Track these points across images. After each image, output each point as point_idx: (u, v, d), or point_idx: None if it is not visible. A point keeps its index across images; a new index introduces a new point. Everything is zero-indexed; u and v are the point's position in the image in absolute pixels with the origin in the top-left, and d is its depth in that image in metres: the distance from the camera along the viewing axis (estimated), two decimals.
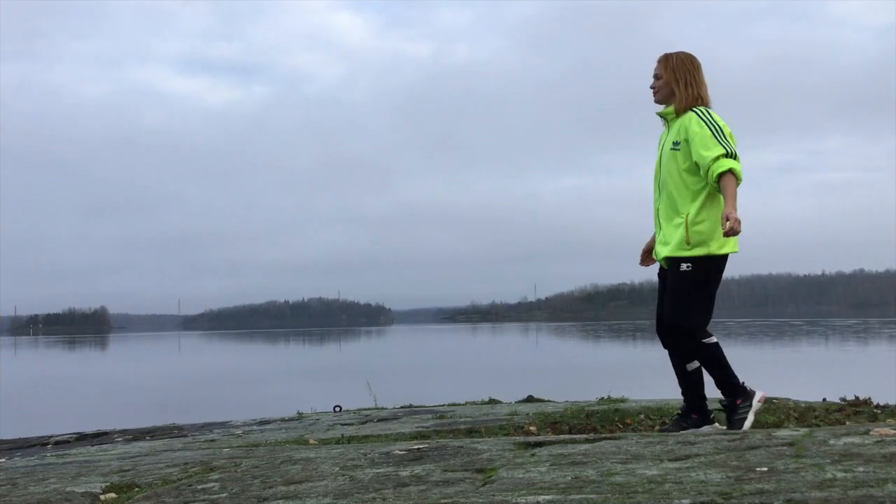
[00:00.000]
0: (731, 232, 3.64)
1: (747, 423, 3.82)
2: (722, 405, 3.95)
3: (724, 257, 3.92)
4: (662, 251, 3.96)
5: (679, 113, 3.93)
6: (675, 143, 3.90)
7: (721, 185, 3.76)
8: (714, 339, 3.92)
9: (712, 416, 4.02)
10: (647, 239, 4.23)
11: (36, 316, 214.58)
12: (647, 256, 4.23)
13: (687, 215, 3.88)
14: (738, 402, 3.88)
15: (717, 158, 3.75)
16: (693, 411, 3.99)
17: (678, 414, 4.14)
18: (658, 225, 4.04)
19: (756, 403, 3.90)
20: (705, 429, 3.87)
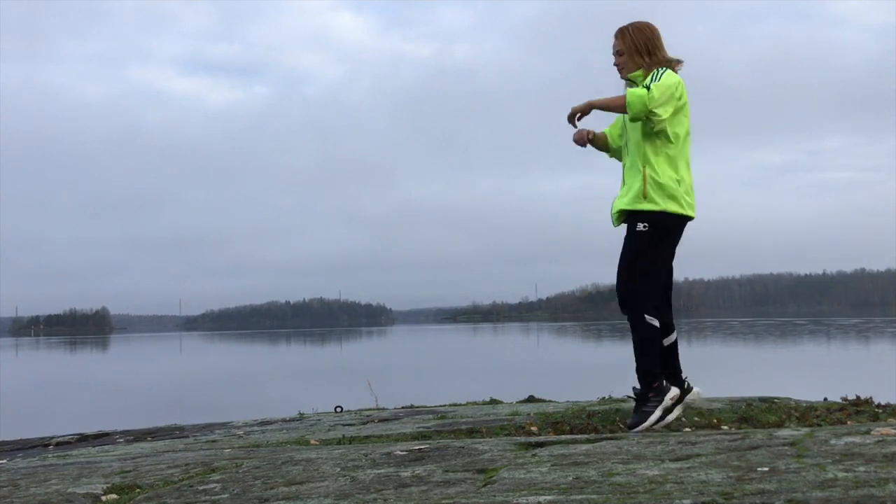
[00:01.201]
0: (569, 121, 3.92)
1: (651, 419, 3.74)
2: (634, 393, 3.90)
3: (682, 219, 3.89)
4: (618, 204, 3.97)
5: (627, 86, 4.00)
6: None
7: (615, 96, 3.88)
8: (657, 322, 3.85)
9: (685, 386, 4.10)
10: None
11: (37, 317, 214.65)
12: (584, 136, 4.16)
13: (646, 167, 3.87)
14: (651, 395, 3.81)
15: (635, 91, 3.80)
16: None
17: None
18: (623, 184, 4.05)
19: (667, 400, 3.80)
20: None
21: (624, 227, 3.99)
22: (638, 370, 3.86)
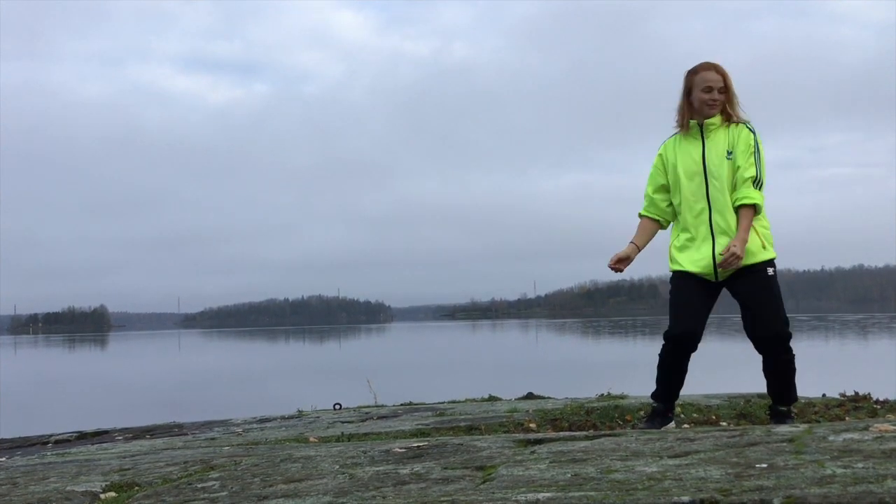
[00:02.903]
0: (726, 263, 3.77)
1: None
2: (785, 411, 4.07)
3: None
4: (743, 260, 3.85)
5: (723, 123, 3.95)
6: (729, 153, 3.91)
7: (742, 212, 3.84)
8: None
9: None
10: (625, 245, 4.17)
11: (36, 315, 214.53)
12: (621, 262, 4.14)
13: (754, 224, 3.90)
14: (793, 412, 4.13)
15: (750, 182, 3.85)
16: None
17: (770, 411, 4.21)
18: (707, 235, 3.93)
19: None
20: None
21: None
22: (790, 393, 4.06)
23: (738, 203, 3.84)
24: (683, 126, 3.99)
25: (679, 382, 4.10)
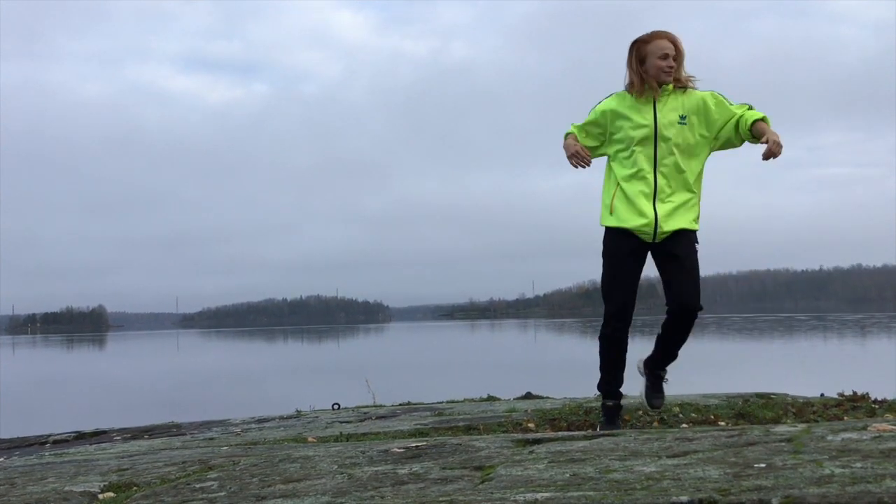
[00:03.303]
0: (775, 147, 3.79)
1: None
2: (660, 376, 4.22)
3: None
4: (676, 222, 3.93)
5: (675, 88, 3.98)
6: (682, 118, 3.94)
7: (758, 126, 3.88)
8: None
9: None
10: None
11: (34, 315, 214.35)
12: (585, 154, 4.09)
13: (698, 191, 4.02)
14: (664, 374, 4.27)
15: (748, 108, 3.96)
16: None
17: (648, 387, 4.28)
18: (649, 196, 3.94)
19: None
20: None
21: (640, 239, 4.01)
22: (674, 355, 4.15)
23: (751, 120, 3.87)
24: (641, 92, 3.97)
25: (623, 365, 4.14)
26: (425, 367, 26.11)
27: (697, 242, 4.02)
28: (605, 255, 4.08)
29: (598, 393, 4.24)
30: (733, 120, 3.95)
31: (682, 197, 3.96)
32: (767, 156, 3.82)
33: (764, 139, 3.80)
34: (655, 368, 4.21)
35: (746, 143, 3.99)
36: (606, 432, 3.28)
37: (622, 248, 3.99)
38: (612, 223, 4.01)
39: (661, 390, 4.25)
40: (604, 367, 4.13)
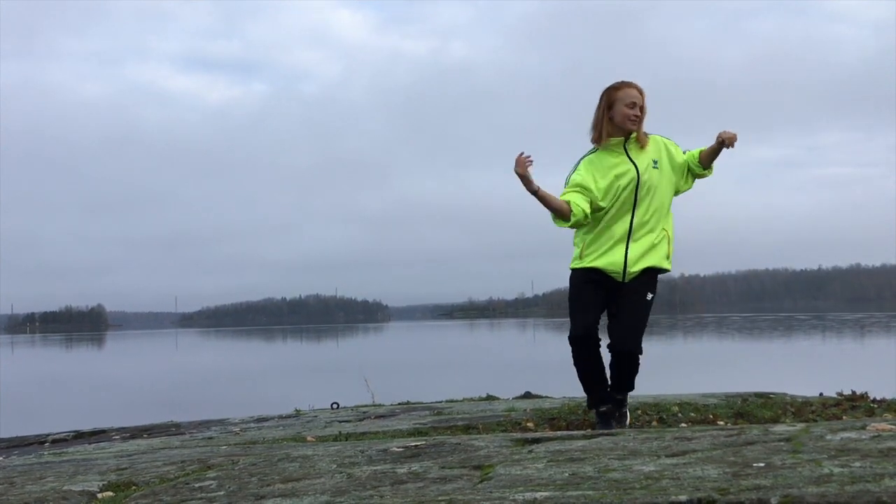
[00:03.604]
0: (725, 140, 4.01)
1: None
2: (619, 404, 4.26)
3: None
4: (645, 261, 4.10)
5: (642, 139, 4.13)
6: (655, 162, 4.13)
7: (704, 152, 4.16)
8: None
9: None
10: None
11: (33, 314, 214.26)
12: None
13: (667, 231, 4.18)
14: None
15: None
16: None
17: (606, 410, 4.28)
18: (623, 237, 4.10)
19: None
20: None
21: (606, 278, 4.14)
22: (629, 389, 4.28)
23: (698, 151, 4.18)
24: (600, 140, 4.12)
25: (603, 377, 4.22)
26: (424, 366, 26.11)
27: (654, 288, 4.19)
28: (571, 287, 4.22)
29: (591, 410, 4.34)
30: (690, 160, 4.18)
31: (654, 237, 4.12)
32: (724, 143, 4.03)
33: (718, 139, 4.03)
34: (614, 393, 4.27)
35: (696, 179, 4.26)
36: (605, 431, 3.29)
37: (590, 279, 4.13)
38: (582, 265, 4.15)
39: (623, 415, 4.32)
40: (586, 385, 4.24)
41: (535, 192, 4.05)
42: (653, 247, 4.12)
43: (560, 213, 4.07)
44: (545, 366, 23.27)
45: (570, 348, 4.17)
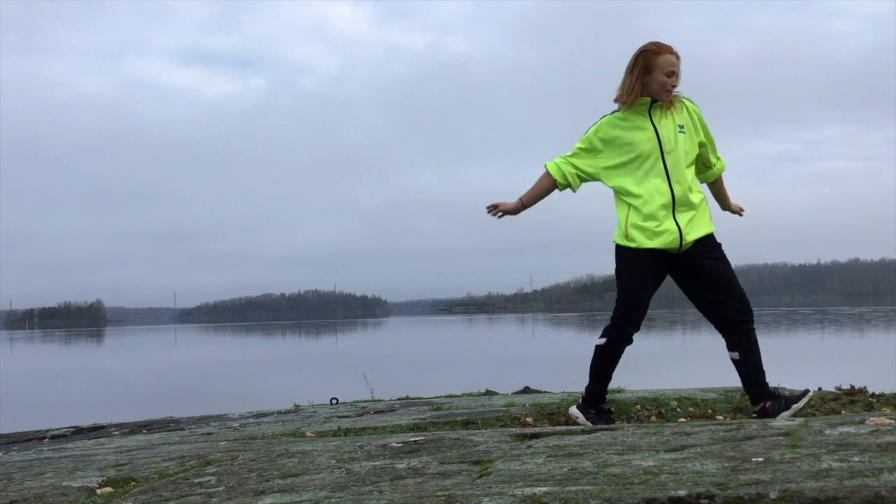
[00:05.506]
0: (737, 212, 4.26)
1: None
2: (773, 394, 4.07)
3: None
4: (700, 230, 3.92)
5: (670, 104, 3.97)
6: (680, 127, 3.93)
7: (719, 182, 4.16)
8: None
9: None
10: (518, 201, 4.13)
11: (32, 310, 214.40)
12: (498, 209, 4.10)
13: (701, 193, 4.05)
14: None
15: (716, 149, 4.14)
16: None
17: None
18: (668, 210, 3.89)
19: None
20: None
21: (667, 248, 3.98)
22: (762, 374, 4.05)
23: (719, 171, 4.12)
24: (629, 104, 3.90)
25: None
26: (423, 361, 26.13)
27: (722, 250, 4.00)
28: (623, 266, 3.99)
29: (592, 412, 4.13)
30: (709, 156, 4.08)
31: (695, 202, 3.94)
32: (731, 209, 4.26)
33: (736, 208, 4.25)
34: (760, 387, 4.04)
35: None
36: (605, 427, 3.29)
37: (643, 262, 3.91)
38: (632, 245, 3.92)
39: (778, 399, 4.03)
40: (601, 375, 4.08)
41: (523, 206, 4.08)
42: (699, 211, 3.94)
43: (551, 190, 4.08)
44: (544, 361, 23.30)
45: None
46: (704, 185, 4.18)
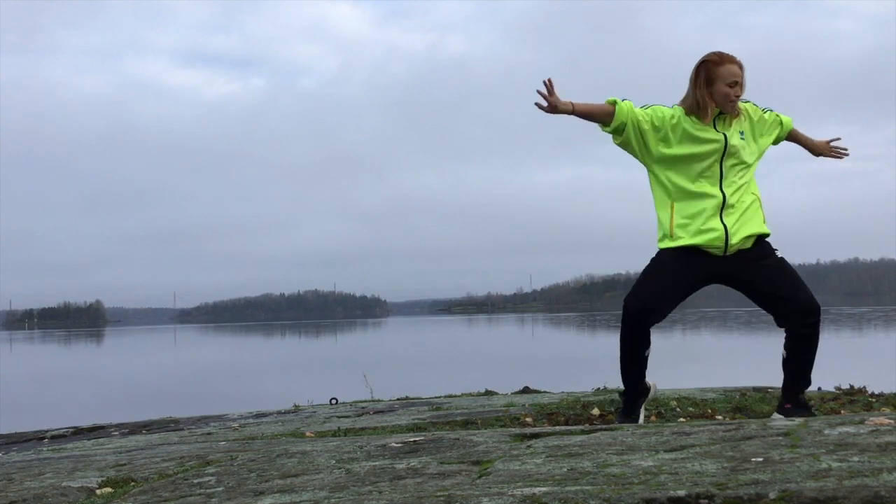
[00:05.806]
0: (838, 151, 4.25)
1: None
2: (804, 399, 4.01)
3: None
4: (748, 229, 3.79)
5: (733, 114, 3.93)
6: (741, 133, 3.88)
7: (794, 134, 4.19)
8: None
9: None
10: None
11: (31, 310, 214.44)
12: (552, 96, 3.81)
13: (756, 194, 3.92)
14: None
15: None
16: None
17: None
18: (716, 211, 3.77)
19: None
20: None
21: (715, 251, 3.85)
22: (808, 373, 3.99)
23: (787, 128, 4.12)
24: (706, 118, 3.80)
25: (645, 365, 3.98)
26: (423, 361, 26.13)
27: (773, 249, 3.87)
28: (652, 263, 3.87)
29: (624, 388, 4.06)
30: (775, 126, 4.05)
31: (747, 202, 3.83)
32: (818, 152, 4.24)
33: (824, 147, 4.24)
34: (791, 394, 3.96)
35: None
36: (603, 426, 3.28)
37: (680, 260, 3.78)
38: (674, 244, 3.80)
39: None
40: (632, 358, 3.94)
41: (572, 109, 3.79)
42: (749, 211, 3.81)
43: (603, 119, 3.81)
44: (544, 361, 23.30)
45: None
46: (786, 145, 4.17)
